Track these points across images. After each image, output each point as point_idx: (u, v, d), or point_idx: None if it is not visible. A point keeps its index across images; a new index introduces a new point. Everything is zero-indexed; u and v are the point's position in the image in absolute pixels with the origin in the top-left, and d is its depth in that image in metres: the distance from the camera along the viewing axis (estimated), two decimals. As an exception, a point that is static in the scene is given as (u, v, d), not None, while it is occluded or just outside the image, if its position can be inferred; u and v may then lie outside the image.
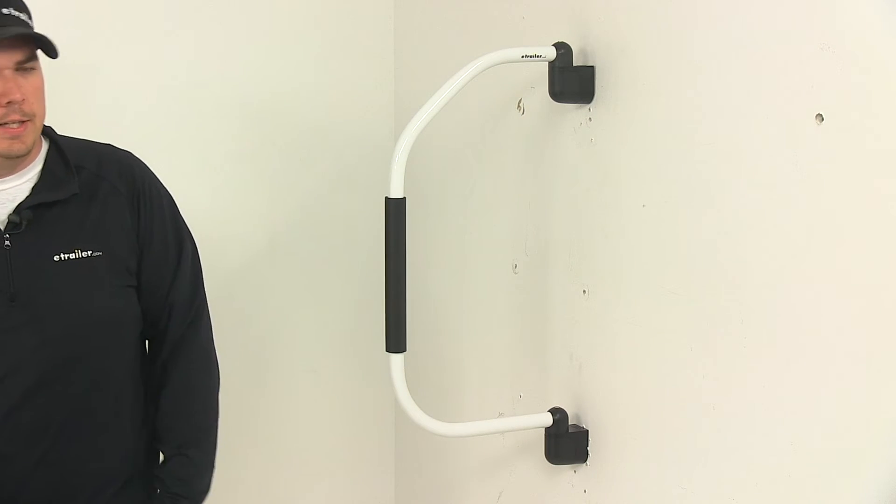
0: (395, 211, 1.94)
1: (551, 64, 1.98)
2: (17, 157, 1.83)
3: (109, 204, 1.93)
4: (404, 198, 1.95)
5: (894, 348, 1.44)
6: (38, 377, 1.86)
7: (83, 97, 2.43)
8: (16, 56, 1.80)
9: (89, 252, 1.89)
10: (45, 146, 1.92)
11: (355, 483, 2.82)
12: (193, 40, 2.55)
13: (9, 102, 1.78)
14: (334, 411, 2.78)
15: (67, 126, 2.43)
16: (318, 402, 2.76)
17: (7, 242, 1.83)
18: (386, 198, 1.94)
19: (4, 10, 1.80)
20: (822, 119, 1.52)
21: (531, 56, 1.97)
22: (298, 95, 2.65)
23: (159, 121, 2.52)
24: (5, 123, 1.79)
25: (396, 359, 1.98)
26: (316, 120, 2.67)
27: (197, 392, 2.07)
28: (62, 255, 1.87)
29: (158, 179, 2.04)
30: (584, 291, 2.04)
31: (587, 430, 2.04)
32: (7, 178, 1.85)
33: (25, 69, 1.82)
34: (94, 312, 1.91)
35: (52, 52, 1.84)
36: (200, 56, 2.55)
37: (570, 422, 2.07)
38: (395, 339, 1.97)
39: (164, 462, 2.07)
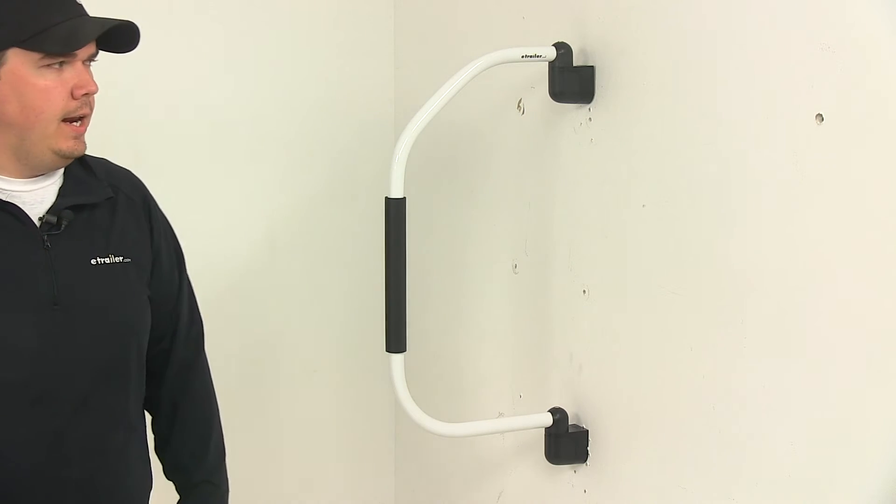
0: (395, 211, 1.94)
1: (551, 64, 1.98)
2: (73, 158, 1.79)
3: (128, 213, 1.89)
4: (404, 198, 1.95)
5: (894, 348, 1.44)
6: (88, 388, 1.79)
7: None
8: (91, 48, 1.76)
9: (121, 258, 1.84)
10: None
11: (355, 483, 2.82)
12: (193, 40, 2.54)
13: (84, 94, 1.74)
14: (334, 411, 2.78)
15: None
16: (318, 402, 2.76)
17: (47, 243, 1.77)
18: (386, 198, 1.94)
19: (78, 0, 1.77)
20: (822, 119, 1.52)
21: (531, 56, 1.97)
22: (298, 95, 2.65)
23: (158, 121, 2.52)
24: (72, 119, 1.74)
25: (396, 359, 1.98)
26: (316, 120, 2.67)
27: (211, 417, 2.04)
28: (98, 259, 1.81)
29: None
30: (584, 291, 2.04)
31: (587, 430, 2.04)
32: (35, 179, 1.79)
33: (89, 63, 1.78)
34: (130, 319, 1.86)
35: (126, 47, 1.80)
36: (200, 56, 2.55)
37: (570, 422, 2.07)
38: (395, 339, 1.97)
39: (190, 493, 2.01)
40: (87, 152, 1.87)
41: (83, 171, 1.86)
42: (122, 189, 1.90)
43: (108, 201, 1.86)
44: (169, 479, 2.04)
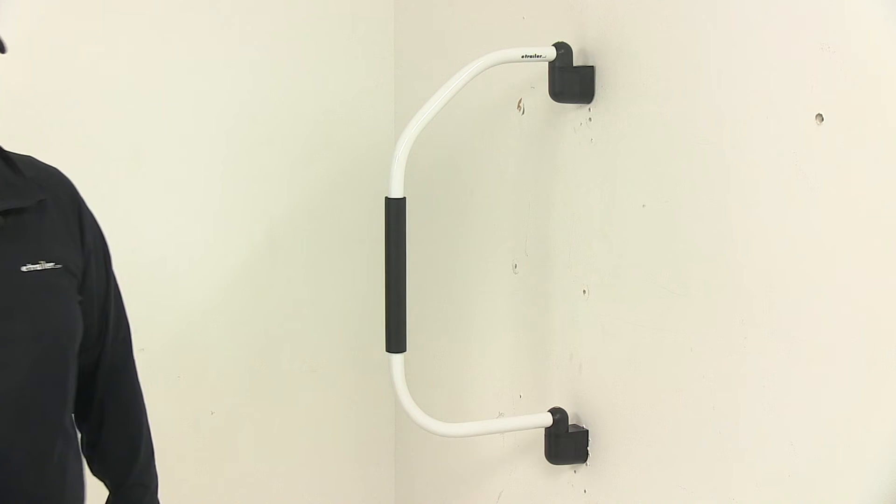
0: (395, 211, 1.94)
1: (551, 64, 1.98)
2: None
3: (57, 215, 1.81)
4: (404, 198, 1.95)
5: (894, 348, 1.44)
6: (29, 399, 1.73)
7: (83, 96, 2.43)
8: None
9: (52, 264, 1.76)
10: None
11: (355, 483, 2.82)
12: (193, 40, 2.54)
13: None
14: (334, 411, 2.78)
15: (64, 123, 2.43)
16: (318, 402, 2.76)
17: None
18: (386, 198, 1.94)
19: None
20: (822, 119, 1.52)
21: (531, 56, 1.97)
22: (298, 95, 2.65)
23: (159, 120, 2.52)
24: None
25: (396, 359, 1.98)
26: (316, 120, 2.67)
27: (140, 418, 1.99)
28: (29, 266, 1.73)
29: None
30: (584, 291, 2.04)
31: (587, 430, 2.04)
32: None
33: None
34: (65, 328, 1.78)
35: None
36: (200, 55, 2.55)
37: (570, 422, 2.07)
38: (395, 339, 1.97)
39: (122, 495, 1.96)
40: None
41: (10, 171, 1.77)
42: (51, 189, 1.81)
43: (37, 203, 1.77)
44: (96, 477, 1.99)
